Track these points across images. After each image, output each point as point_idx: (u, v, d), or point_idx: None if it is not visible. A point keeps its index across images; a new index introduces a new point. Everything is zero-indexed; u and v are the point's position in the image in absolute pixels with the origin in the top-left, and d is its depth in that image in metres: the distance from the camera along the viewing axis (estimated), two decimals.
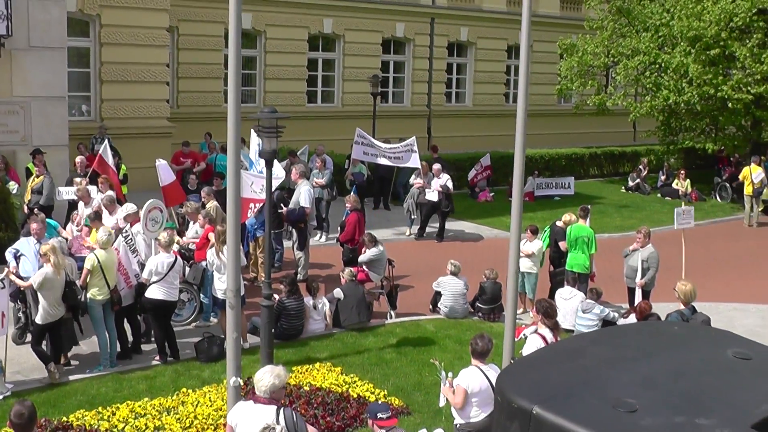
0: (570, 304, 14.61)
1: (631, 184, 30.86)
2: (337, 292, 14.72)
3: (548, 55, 35.40)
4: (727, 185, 29.95)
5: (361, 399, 11.30)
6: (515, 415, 2.75)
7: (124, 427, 10.26)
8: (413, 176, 22.34)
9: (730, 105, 26.52)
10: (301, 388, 11.53)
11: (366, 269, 15.90)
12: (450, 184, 21.64)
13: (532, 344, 9.67)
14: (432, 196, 21.35)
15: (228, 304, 9.34)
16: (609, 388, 2.77)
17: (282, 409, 7.29)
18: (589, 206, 17.23)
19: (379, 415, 8.10)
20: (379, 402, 9.60)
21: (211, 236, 13.85)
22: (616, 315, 14.36)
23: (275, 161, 15.42)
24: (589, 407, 2.65)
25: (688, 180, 29.85)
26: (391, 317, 15.42)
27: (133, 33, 24.25)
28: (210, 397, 11.16)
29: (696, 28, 26.25)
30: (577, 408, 2.65)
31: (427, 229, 21.97)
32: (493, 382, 8.47)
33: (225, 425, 8.14)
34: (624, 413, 2.61)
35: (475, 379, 8.80)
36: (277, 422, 7.03)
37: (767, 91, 26.23)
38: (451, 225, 23.00)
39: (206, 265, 13.96)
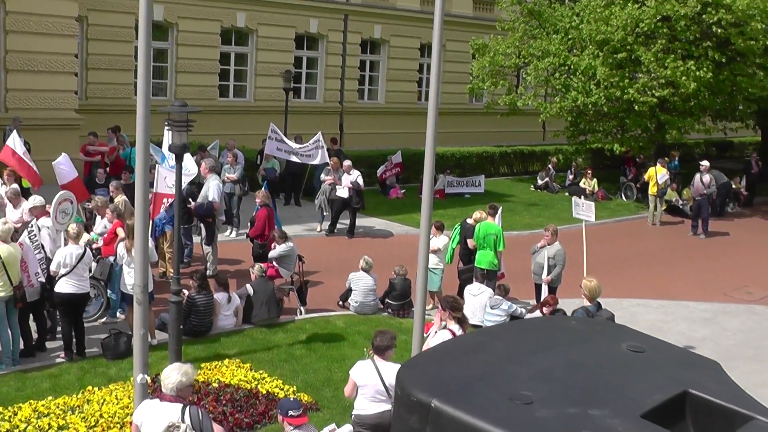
0: (479, 300, 14.83)
1: (540, 182, 31.41)
2: (247, 288, 14.66)
3: (461, 54, 35.78)
4: (632, 185, 30.77)
5: (270, 395, 11.28)
6: (414, 408, 2.80)
7: (26, 428, 10.00)
8: (323, 173, 22.35)
9: (636, 107, 27.17)
10: (209, 385, 11.45)
11: (276, 265, 15.85)
12: (360, 181, 21.73)
13: (441, 339, 9.78)
14: (342, 192, 21.39)
15: (135, 299, 9.22)
16: (507, 382, 2.85)
17: (188, 407, 7.24)
18: (498, 204, 17.47)
19: (290, 412, 8.09)
20: (291, 399, 9.59)
21: (120, 231, 13.64)
22: (524, 311, 14.62)
23: (188, 156, 15.29)
24: (486, 400, 2.72)
25: (595, 179, 30.56)
26: (300, 313, 15.42)
27: (40, 21, 23.64)
28: (116, 395, 10.98)
29: (604, 32, 26.83)
30: (474, 401, 2.71)
31: (338, 226, 22.01)
32: (385, 379, 8.60)
33: (131, 424, 8.04)
34: (520, 405, 2.68)
35: (364, 372, 8.88)
36: (182, 421, 6.98)
37: (671, 95, 26.95)
38: (362, 221, 23.08)
39: (114, 260, 13.75)
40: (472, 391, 2.77)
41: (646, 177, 27.28)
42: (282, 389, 11.60)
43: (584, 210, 17.66)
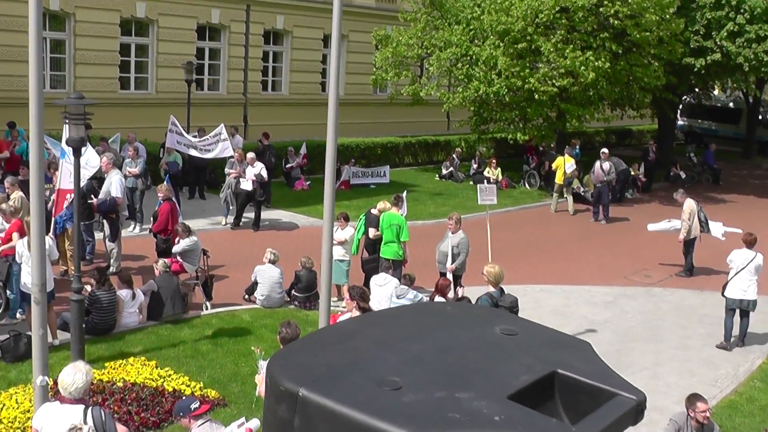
0: (384, 291, 14.91)
1: (444, 172, 31.72)
2: (151, 284, 14.47)
3: (364, 45, 35.81)
4: (535, 173, 31.34)
5: (176, 393, 11.17)
6: (283, 397, 2.81)
7: None
8: (227, 165, 22.17)
9: (537, 97, 27.62)
10: (114, 384, 11.27)
11: (180, 260, 15.68)
12: (264, 173, 21.61)
13: None
14: (246, 185, 21.25)
15: (33, 299, 9.02)
16: (376, 368, 2.87)
17: (90, 408, 7.12)
18: (403, 194, 17.60)
19: (192, 406, 8.03)
20: (183, 398, 9.50)
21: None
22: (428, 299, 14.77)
23: (91, 149, 14.97)
24: (354, 387, 2.74)
25: (499, 168, 31.03)
26: (206, 308, 15.27)
27: None
28: (17, 399, 10.70)
29: (504, 23, 27.20)
30: (342, 388, 2.73)
31: (244, 219, 21.86)
32: None
33: (31, 428, 7.87)
34: (388, 391, 2.71)
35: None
36: (85, 422, 6.86)
37: (570, 85, 27.50)
38: (268, 214, 22.99)
39: (12, 259, 13.41)
40: (341, 378, 2.80)
41: (554, 166, 27.79)
42: (188, 386, 11.50)
43: (488, 194, 17.98)
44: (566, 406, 2.95)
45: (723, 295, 15.39)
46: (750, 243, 15.27)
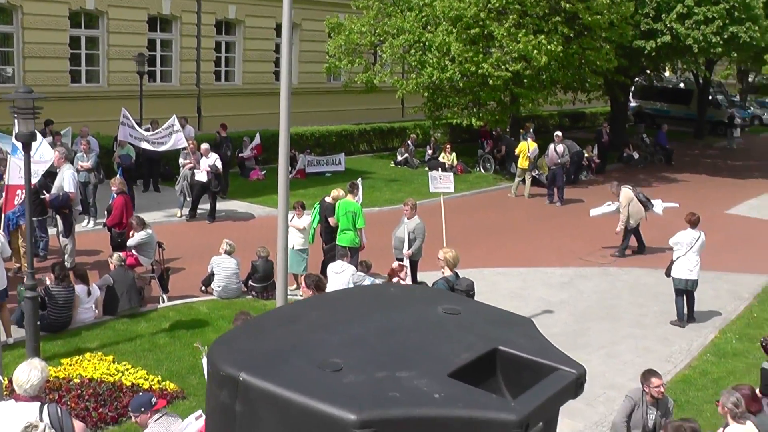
0: (341, 278, 14.91)
1: (399, 158, 31.77)
2: (106, 279, 14.35)
3: (317, 33, 35.68)
4: (490, 157, 31.50)
5: (134, 387, 11.10)
6: (224, 383, 2.82)
7: None
8: (181, 157, 22.02)
9: (490, 82, 27.73)
10: (71, 381, 11.16)
11: (135, 253, 15.56)
12: (219, 164, 21.49)
13: None
14: (201, 176, 21.12)
15: None
16: (318, 350, 2.89)
17: (46, 405, 7.06)
18: (358, 181, 17.61)
19: (153, 400, 8.00)
20: (141, 393, 9.45)
21: None
22: None
23: (45, 142, 14.78)
24: (295, 370, 2.76)
25: (454, 153, 31.14)
26: (163, 301, 15.19)
27: None
28: None
29: (457, 9, 27.23)
30: (283, 372, 2.75)
31: (199, 210, 21.74)
32: None
33: None
34: (329, 373, 2.73)
35: None
36: (41, 420, 6.80)
37: (524, 69, 27.64)
38: (223, 205, 22.90)
39: None
40: (282, 361, 2.82)
41: (517, 151, 27.88)
42: (146, 380, 11.44)
43: (442, 182, 18.01)
44: (508, 382, 3.00)
45: (668, 275, 15.63)
46: (693, 223, 15.50)
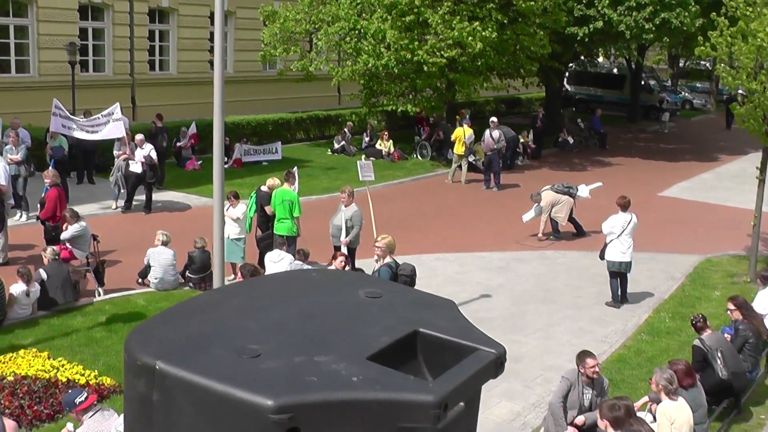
0: (279, 267, 14.84)
1: (336, 146, 31.72)
2: (40, 273, 14.11)
3: (252, 21, 35.40)
4: (427, 144, 31.63)
5: (70, 383, 10.94)
6: (141, 372, 2.80)
7: None
8: (115, 147, 21.72)
9: (426, 68, 27.79)
10: (4, 379, 10.97)
11: (69, 246, 15.32)
12: (154, 155, 21.24)
13: None
14: (136, 167, 20.86)
15: None
16: (237, 337, 2.88)
17: None
18: (294, 170, 17.55)
19: (77, 400, 7.90)
20: (71, 390, 9.33)
21: None
22: None
23: None
24: (212, 357, 2.75)
25: (390, 141, 31.22)
26: (99, 294, 15.01)
27: None
28: None
29: None
30: (200, 359, 2.74)
31: (135, 201, 21.48)
32: None
33: None
34: (247, 359, 2.73)
35: None
36: None
37: (459, 55, 27.76)
38: (160, 196, 22.67)
39: None
40: (199, 349, 2.80)
41: (453, 137, 28.01)
42: (83, 375, 11.29)
43: (366, 171, 18.12)
44: (429, 364, 3.02)
45: (602, 258, 15.90)
46: (624, 206, 15.76)
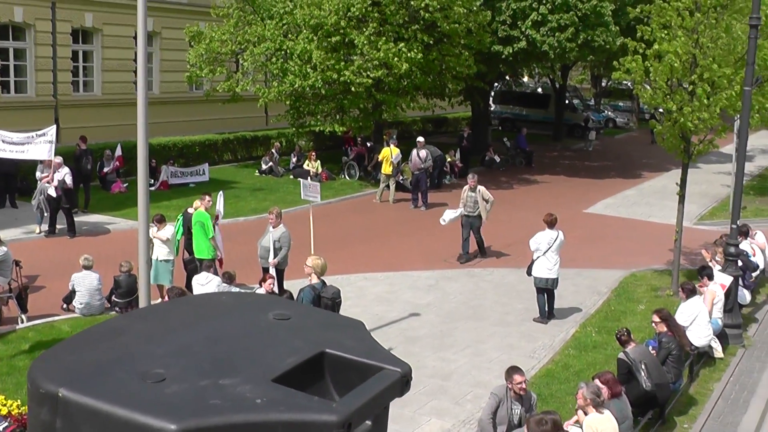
0: (207, 289, 14.72)
1: (264, 167, 31.63)
2: None
3: (177, 42, 35.14)
4: (355, 164, 31.71)
5: None
6: (44, 400, 2.77)
7: None
8: (38, 170, 21.30)
9: (353, 89, 27.93)
10: None
11: None
12: (69, 179, 20.72)
13: None
14: (51, 191, 20.45)
15: None
16: (142, 362, 2.87)
17: None
18: (220, 194, 17.42)
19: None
20: None
21: None
22: None
23: None
24: (116, 383, 2.74)
25: (318, 161, 31.24)
26: (22, 321, 14.67)
27: None
28: None
29: (317, 17, 27.35)
30: (103, 385, 2.72)
31: (61, 226, 21.08)
32: None
33: None
34: (151, 384, 2.73)
35: None
36: None
37: (385, 76, 27.96)
38: (86, 219, 22.33)
39: None
40: (103, 375, 2.79)
41: (380, 157, 28.16)
42: (5, 405, 10.99)
43: (311, 191, 18.01)
44: (336, 384, 3.06)
45: (529, 274, 16.11)
46: (551, 223, 16.01)
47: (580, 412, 9.78)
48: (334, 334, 3.23)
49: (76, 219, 21.72)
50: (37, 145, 19.45)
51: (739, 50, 16.32)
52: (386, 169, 27.58)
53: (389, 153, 27.53)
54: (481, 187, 20.15)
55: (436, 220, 24.55)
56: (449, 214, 20.37)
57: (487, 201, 19.90)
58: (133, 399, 2.64)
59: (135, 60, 35.29)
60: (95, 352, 3.00)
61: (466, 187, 20.33)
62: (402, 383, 3.06)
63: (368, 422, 2.96)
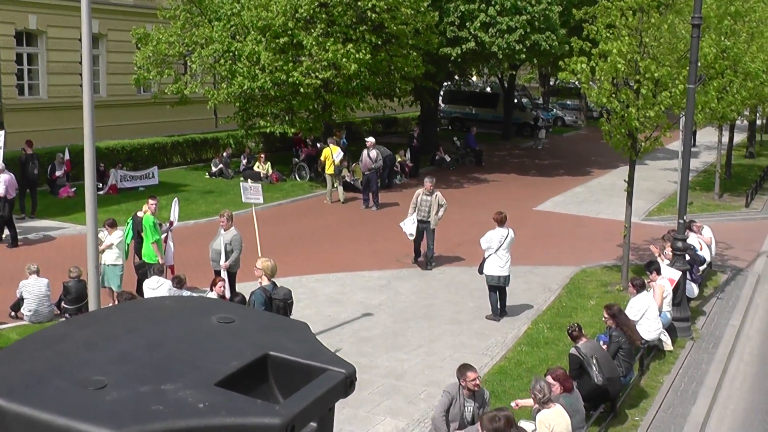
0: (157, 293, 14.58)
1: (214, 170, 31.43)
2: None
3: (124, 44, 34.77)
4: (305, 165, 31.64)
5: None
6: None
7: None
8: None
9: (302, 90, 27.88)
10: None
11: None
12: (1, 188, 20.17)
13: None
14: None
15: None
16: (82, 369, 2.83)
17: None
18: (156, 196, 17.24)
19: None
20: None
21: None
22: None
23: None
24: (55, 391, 2.70)
25: (269, 162, 31.14)
26: None
27: None
28: None
29: (265, 18, 27.28)
30: (42, 394, 2.68)
31: (6, 232, 20.73)
32: None
33: None
34: (91, 391, 2.69)
35: None
36: None
37: (334, 76, 27.97)
38: (33, 224, 22.01)
39: None
40: (41, 384, 2.74)
41: (321, 158, 28.15)
42: None
43: (253, 193, 17.91)
44: (280, 387, 3.05)
45: (481, 273, 16.20)
46: (501, 221, 16.11)
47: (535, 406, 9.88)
48: (277, 337, 3.21)
49: (23, 224, 21.38)
50: None
51: (681, 48, 16.58)
52: (329, 169, 27.57)
53: (329, 153, 27.52)
54: (437, 192, 19.46)
55: (387, 220, 24.70)
56: (409, 226, 19.22)
57: (441, 206, 19.23)
58: (72, 407, 2.61)
59: (81, 62, 35.05)
60: (33, 361, 2.95)
61: (421, 190, 19.45)
62: (346, 384, 3.06)
63: (313, 424, 2.97)
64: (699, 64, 16.03)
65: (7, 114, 31.65)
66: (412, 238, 19.29)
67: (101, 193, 24.39)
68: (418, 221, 19.09)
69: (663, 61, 16.17)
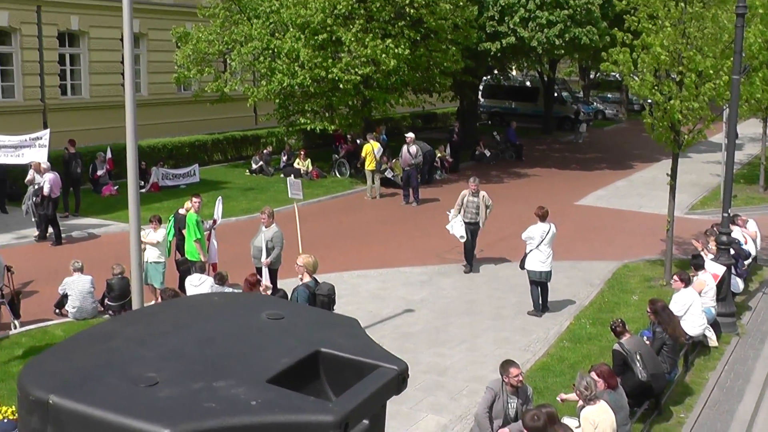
0: (200, 290, 14.70)
1: (254, 167, 31.56)
2: None
3: (164, 43, 35.02)
4: (345, 161, 31.67)
5: None
6: (33, 408, 2.72)
7: None
8: (29, 175, 21.15)
9: (341, 86, 27.89)
10: None
11: None
12: (46, 187, 20.44)
13: None
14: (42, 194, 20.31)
15: None
16: (133, 366, 2.82)
17: None
18: (199, 194, 17.35)
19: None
20: (6, 420, 9.08)
21: None
22: None
23: None
24: (107, 388, 2.70)
25: (308, 159, 31.21)
26: (15, 327, 14.61)
27: None
28: None
29: (303, 16, 27.31)
30: (94, 391, 2.68)
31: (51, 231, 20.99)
32: None
33: None
34: (143, 388, 2.69)
35: None
36: None
37: (373, 72, 27.95)
38: (77, 222, 22.26)
39: None
40: (93, 380, 2.74)
41: (363, 153, 28.18)
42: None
43: (294, 189, 17.98)
44: (332, 383, 3.02)
45: (522, 268, 16.12)
46: (543, 216, 16.02)
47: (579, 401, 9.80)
48: (328, 333, 3.19)
49: (67, 222, 21.63)
50: (33, 149, 19.29)
51: (725, 39, 16.34)
52: (369, 165, 27.57)
53: (370, 148, 27.53)
54: (483, 192, 18.92)
55: (428, 216, 24.67)
56: (458, 228, 18.65)
57: (488, 207, 18.79)
58: (125, 404, 2.60)
59: (122, 62, 35.34)
60: (85, 357, 2.95)
61: (467, 191, 18.83)
62: (399, 381, 3.03)
63: (366, 421, 2.94)
64: (744, 55, 15.78)
65: (50, 114, 32.13)
66: (463, 240, 18.70)
67: (143, 191, 24.60)
68: (466, 223, 18.56)
69: (707, 52, 15.94)
